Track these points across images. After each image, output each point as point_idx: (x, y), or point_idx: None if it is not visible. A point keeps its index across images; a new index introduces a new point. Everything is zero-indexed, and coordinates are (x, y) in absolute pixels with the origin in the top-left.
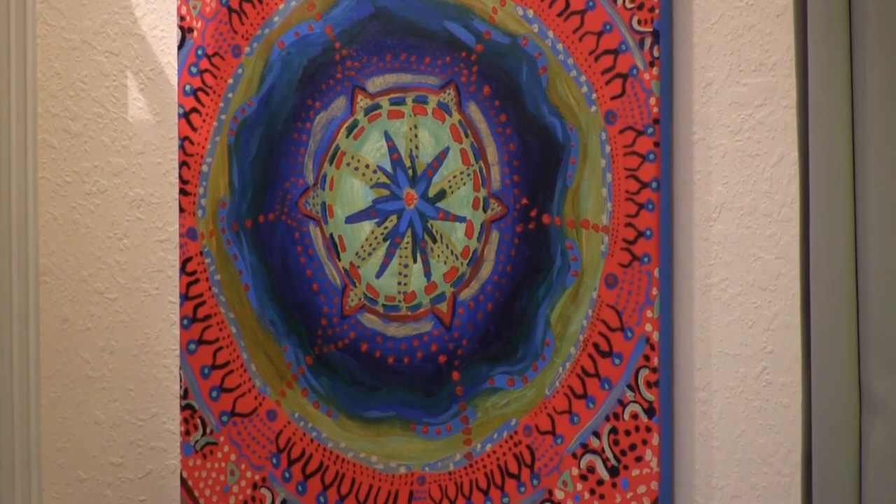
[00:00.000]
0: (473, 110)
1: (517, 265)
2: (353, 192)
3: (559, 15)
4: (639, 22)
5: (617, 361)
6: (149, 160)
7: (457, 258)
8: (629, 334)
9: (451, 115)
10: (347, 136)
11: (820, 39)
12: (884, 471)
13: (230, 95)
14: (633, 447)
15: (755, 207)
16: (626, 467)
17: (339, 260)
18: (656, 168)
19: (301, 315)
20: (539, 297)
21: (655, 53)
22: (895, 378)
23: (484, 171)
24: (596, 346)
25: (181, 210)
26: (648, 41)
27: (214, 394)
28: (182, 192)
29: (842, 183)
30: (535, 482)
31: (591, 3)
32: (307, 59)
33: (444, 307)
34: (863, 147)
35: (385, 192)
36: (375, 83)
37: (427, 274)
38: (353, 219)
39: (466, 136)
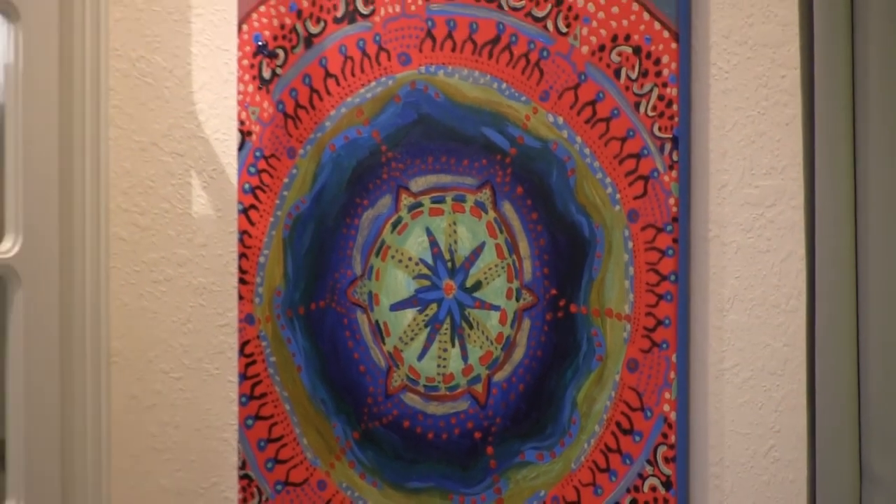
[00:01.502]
0: (507, 208)
1: (546, 350)
2: (397, 282)
3: (586, 122)
4: (659, 129)
5: (637, 438)
6: (211, 252)
7: (491, 343)
8: (649, 414)
9: (487, 213)
10: (392, 232)
11: (825, 149)
12: None
13: (285, 193)
14: None
15: (765, 299)
16: None
17: (384, 344)
18: (675, 262)
19: (349, 394)
20: (566, 379)
21: (675, 157)
22: (891, 459)
23: (517, 264)
24: (618, 424)
25: (240, 297)
26: (668, 146)
27: (269, 465)
28: (241, 280)
29: (845, 279)
30: None
31: (615, 111)
32: (356, 160)
33: (479, 388)
34: (865, 246)
35: (426, 283)
36: (418, 183)
37: (464, 357)
38: (397, 307)
39: (501, 232)
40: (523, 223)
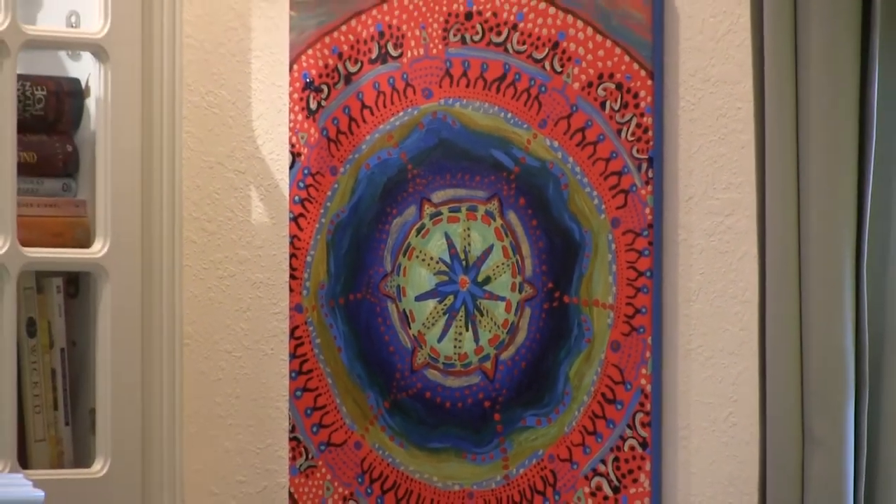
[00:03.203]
0: (512, 217)
1: (544, 334)
2: (421, 277)
3: (577, 145)
4: (637, 151)
5: (619, 407)
6: (266, 252)
7: (499, 328)
8: (629, 386)
9: (495, 220)
10: (417, 236)
11: (774, 168)
12: (821, 495)
13: (328, 204)
14: (630, 472)
15: (724, 291)
16: (625, 487)
17: (410, 329)
18: (650, 261)
19: (380, 370)
20: (561, 358)
21: (650, 175)
22: (829, 422)
23: (520, 262)
24: (603, 395)
25: (290, 290)
26: (644, 165)
27: (315, 429)
28: (291, 276)
29: (790, 275)
30: (557, 497)
31: (601, 137)
32: (386, 177)
33: (488, 365)
34: (806, 248)
35: (445, 278)
36: (438, 195)
37: (476, 339)
38: (421, 298)
39: (507, 235)
40: (525, 229)
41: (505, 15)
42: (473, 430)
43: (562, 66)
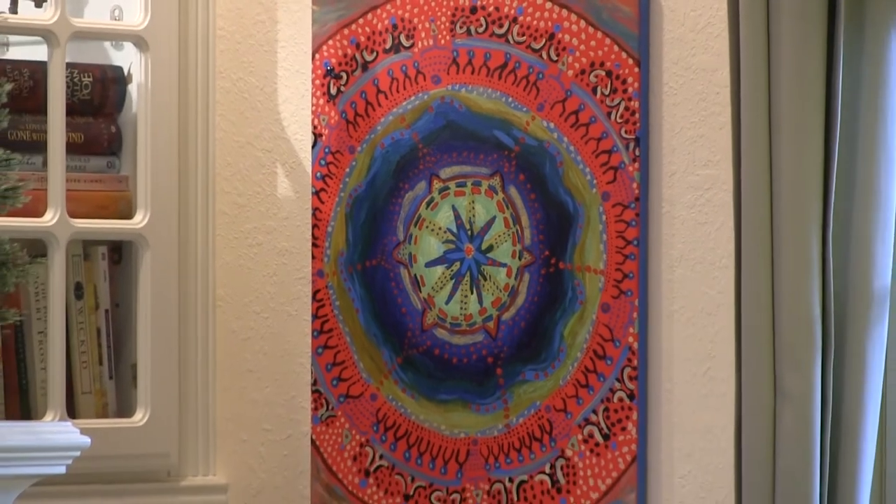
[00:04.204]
0: (513, 191)
1: (541, 296)
2: (430, 246)
3: (571, 126)
4: (625, 132)
5: (609, 362)
6: (291, 223)
7: (501, 291)
8: (617, 344)
9: (497, 194)
10: (426, 208)
11: (748, 147)
12: (790, 442)
13: (347, 180)
14: (619, 421)
15: (703, 258)
16: (614, 435)
17: (420, 292)
18: (637, 231)
19: (394, 329)
20: (556, 318)
21: (637, 153)
22: (798, 377)
23: (519, 232)
24: (595, 351)
25: (313, 257)
26: (632, 144)
27: (334, 382)
28: (314, 245)
29: (762, 242)
30: (553, 444)
31: (593, 119)
32: (399, 155)
33: (491, 324)
34: (778, 218)
35: (452, 246)
36: (446, 172)
37: (480, 302)
38: (430, 264)
39: (508, 208)
40: (524, 202)
41: (506, 9)
42: (478, 384)
43: (557, 55)
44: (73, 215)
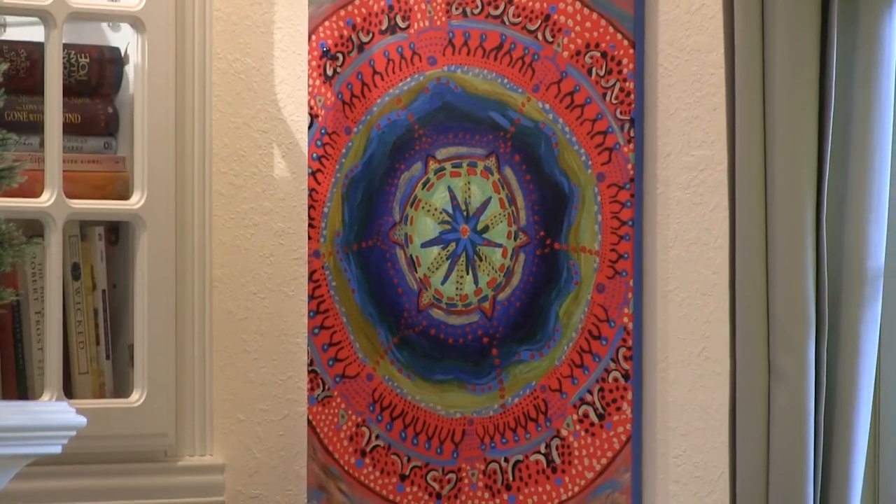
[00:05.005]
0: (508, 172)
1: (537, 277)
2: (426, 226)
3: (567, 108)
4: (620, 112)
5: (604, 342)
6: (288, 204)
7: (496, 272)
8: (612, 324)
9: (493, 175)
10: (422, 189)
11: (743, 128)
12: (784, 422)
13: (343, 160)
14: (614, 401)
15: (698, 239)
16: (609, 415)
17: (416, 272)
18: (632, 212)
19: (390, 310)
20: (552, 298)
21: (632, 134)
22: (792, 357)
23: (515, 213)
24: (590, 331)
25: (309, 238)
26: (627, 125)
27: (331, 362)
28: (310, 225)
29: (756, 224)
30: (548, 424)
31: (588, 100)
32: (395, 136)
33: (487, 305)
34: (772, 199)
35: (448, 227)
36: (442, 153)
37: (476, 282)
38: (426, 244)
39: (503, 189)
40: (520, 182)
41: None
42: (473, 364)
43: (553, 36)
44: (70, 196)
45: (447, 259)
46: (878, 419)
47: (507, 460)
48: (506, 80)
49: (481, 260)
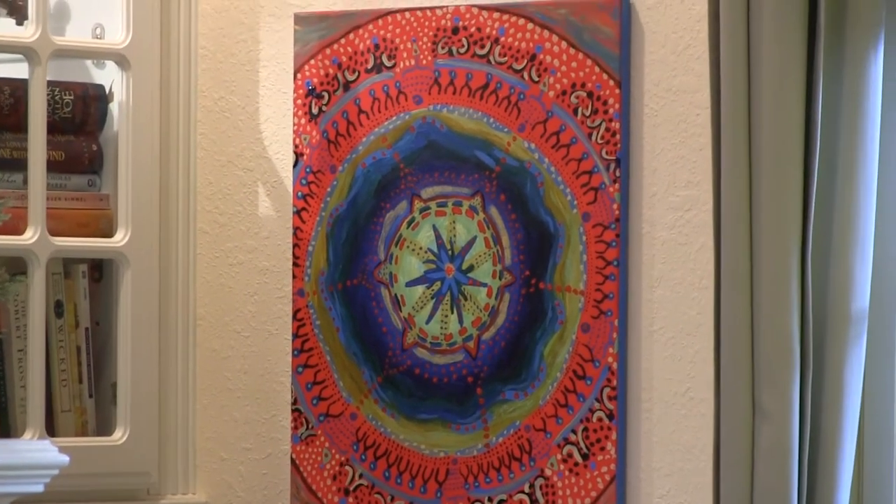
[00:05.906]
0: (493, 211)
1: (522, 316)
2: (411, 265)
3: (552, 147)
4: (606, 152)
5: (588, 382)
6: (272, 243)
7: (481, 311)
8: (597, 364)
9: (478, 214)
10: (407, 228)
11: (728, 169)
12: (768, 462)
13: (328, 199)
14: (598, 441)
15: (683, 279)
16: (594, 454)
17: (401, 311)
18: (617, 252)
19: (374, 349)
20: (536, 338)
21: (617, 174)
22: (777, 397)
23: (500, 252)
24: (574, 371)
25: (294, 276)
26: (613, 165)
27: (315, 401)
28: (295, 264)
29: (742, 264)
30: (532, 464)
31: (574, 139)
32: (381, 175)
33: (471, 344)
34: (757, 239)
35: (433, 266)
36: (427, 192)
37: (460, 321)
38: (411, 284)
39: (488, 228)
40: (505, 222)
41: (488, 30)
42: (458, 403)
43: (539, 75)
44: (54, 233)
45: (432, 298)
46: (862, 460)
47: (490, 500)
48: (491, 120)
49: (466, 299)
